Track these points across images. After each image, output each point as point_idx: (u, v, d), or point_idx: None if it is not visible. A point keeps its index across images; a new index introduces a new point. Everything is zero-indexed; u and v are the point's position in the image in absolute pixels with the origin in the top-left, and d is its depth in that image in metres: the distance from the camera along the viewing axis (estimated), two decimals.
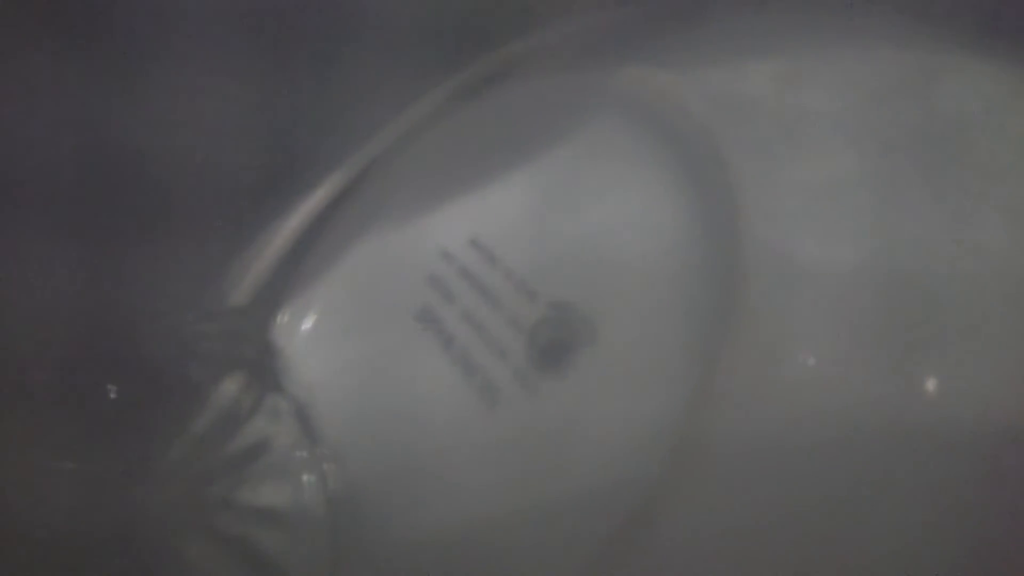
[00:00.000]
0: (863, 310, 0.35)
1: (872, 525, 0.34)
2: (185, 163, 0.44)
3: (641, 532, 0.35)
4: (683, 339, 0.36)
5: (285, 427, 0.41)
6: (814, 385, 0.35)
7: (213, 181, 0.44)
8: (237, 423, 0.41)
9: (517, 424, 0.38)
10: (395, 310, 0.41)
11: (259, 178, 0.44)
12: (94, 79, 0.44)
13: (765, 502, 0.34)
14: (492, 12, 0.43)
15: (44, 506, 0.40)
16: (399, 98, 0.43)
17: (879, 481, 0.34)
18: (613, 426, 0.36)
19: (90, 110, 0.44)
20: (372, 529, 0.39)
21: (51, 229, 0.44)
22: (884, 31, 0.40)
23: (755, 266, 0.35)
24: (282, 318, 0.42)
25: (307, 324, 0.42)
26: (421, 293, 0.40)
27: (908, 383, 0.35)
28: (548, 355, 0.38)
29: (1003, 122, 0.38)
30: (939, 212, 0.36)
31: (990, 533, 0.34)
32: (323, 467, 0.40)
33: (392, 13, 0.43)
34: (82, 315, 0.43)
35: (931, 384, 0.35)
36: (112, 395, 0.42)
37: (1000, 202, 0.36)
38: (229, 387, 0.41)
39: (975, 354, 0.35)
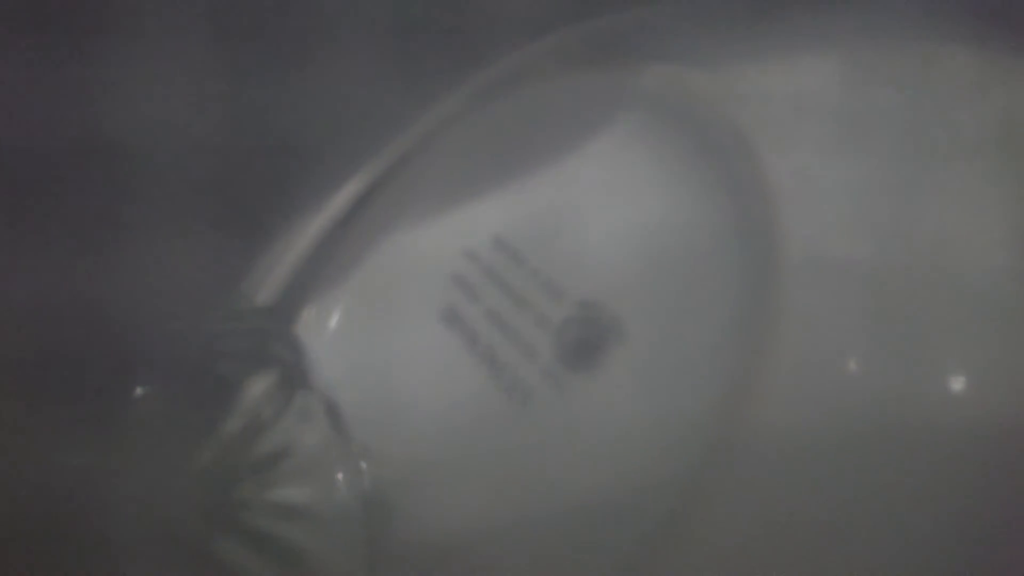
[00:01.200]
0: (902, 309, 0.35)
1: (908, 522, 0.35)
2: (208, 161, 0.44)
3: (675, 533, 0.35)
4: (717, 338, 0.36)
5: (316, 426, 0.41)
6: (850, 385, 0.35)
7: (237, 179, 0.44)
8: (267, 422, 0.41)
9: (548, 423, 0.38)
10: (420, 309, 0.41)
11: (283, 176, 0.44)
12: (117, 71, 0.44)
13: (801, 501, 0.35)
14: (517, 9, 0.42)
15: (74, 506, 0.41)
16: (423, 96, 0.43)
17: (917, 479, 0.35)
18: (646, 425, 0.37)
19: (115, 106, 0.44)
20: (407, 527, 0.39)
21: (74, 226, 0.44)
22: (957, 32, 0.39)
23: (791, 266, 0.36)
24: (308, 316, 0.42)
25: (332, 323, 0.42)
26: (446, 292, 0.41)
27: (947, 382, 0.35)
28: (577, 354, 0.38)
29: None
30: (996, 212, 0.36)
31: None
32: (355, 465, 0.40)
33: (416, 10, 0.43)
34: (108, 314, 0.43)
35: (970, 383, 0.35)
36: (139, 393, 0.42)
37: None
38: (258, 386, 0.41)
39: (1018, 351, 0.35)
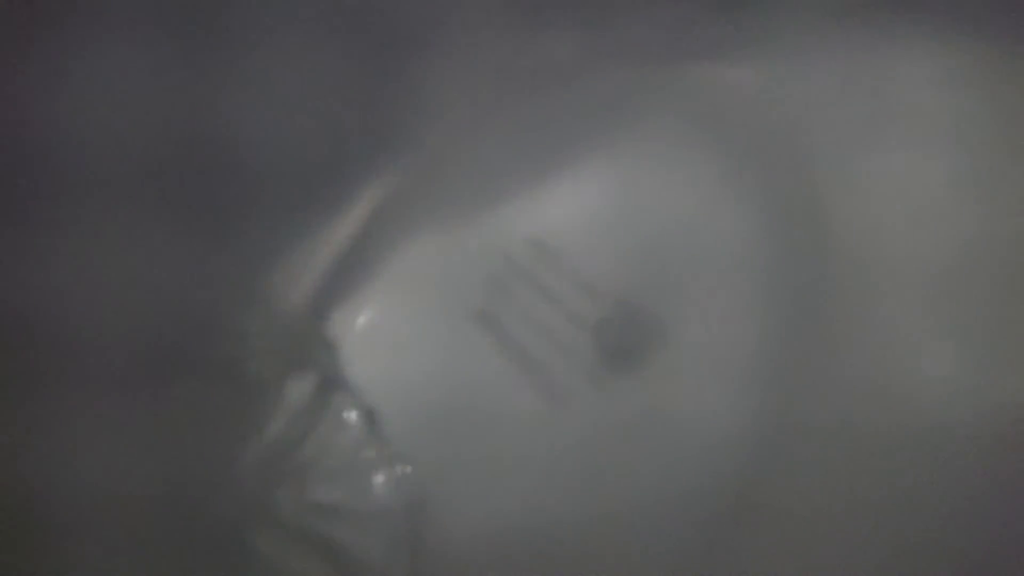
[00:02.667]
0: (955, 307, 0.35)
1: (978, 516, 0.35)
2: (240, 160, 0.44)
3: (724, 531, 0.36)
4: (769, 338, 0.36)
5: (354, 426, 0.41)
6: (903, 381, 0.35)
7: (270, 178, 0.44)
8: (306, 423, 0.41)
9: (589, 422, 0.38)
10: (453, 309, 0.41)
11: (318, 175, 0.44)
12: (146, 74, 0.44)
13: (852, 501, 0.35)
14: (553, 7, 0.42)
15: (115, 503, 0.41)
16: (459, 93, 0.42)
17: (969, 474, 0.35)
18: (692, 425, 0.37)
19: (144, 108, 0.44)
20: (448, 526, 0.39)
21: (110, 225, 0.44)
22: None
23: (845, 265, 0.36)
24: (340, 316, 0.42)
25: (364, 322, 0.42)
26: (479, 292, 0.41)
27: (999, 380, 0.35)
28: (617, 354, 0.38)
29: None
30: None
31: None
32: (394, 466, 0.40)
33: (451, 7, 0.43)
34: (145, 314, 0.43)
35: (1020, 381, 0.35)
36: (178, 392, 0.42)
37: None
38: (296, 387, 0.41)
39: None
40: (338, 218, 0.43)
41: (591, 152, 0.40)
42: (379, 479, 0.40)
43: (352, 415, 0.41)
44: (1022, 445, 0.35)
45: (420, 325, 0.41)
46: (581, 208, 0.40)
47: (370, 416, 0.41)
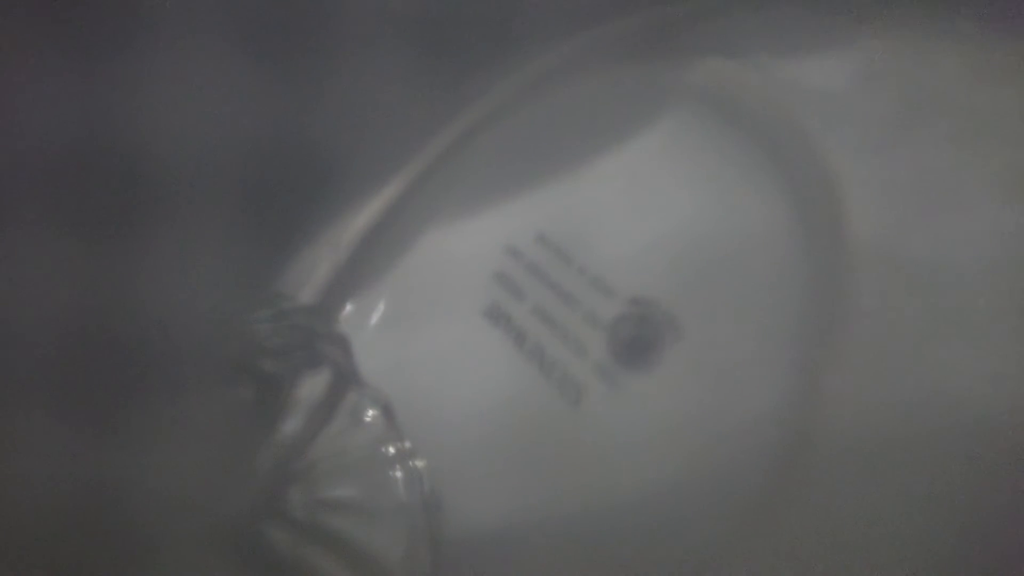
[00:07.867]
0: (975, 310, 0.35)
1: (986, 518, 0.35)
2: (250, 160, 0.44)
3: (743, 531, 0.36)
4: (782, 335, 0.36)
5: (369, 423, 0.41)
6: (924, 381, 0.35)
7: (279, 177, 0.44)
8: (320, 420, 0.41)
9: (603, 421, 0.38)
10: (463, 306, 0.41)
11: (324, 174, 0.44)
12: (154, 74, 0.44)
13: (871, 505, 0.35)
14: (560, 2, 0.42)
15: (129, 505, 0.41)
16: (465, 91, 0.42)
17: (993, 476, 0.35)
18: (709, 425, 0.37)
19: (154, 110, 0.44)
20: (467, 522, 0.39)
21: (121, 229, 0.44)
22: None
23: (859, 262, 0.35)
24: (350, 314, 0.42)
25: (375, 320, 0.42)
26: (489, 289, 0.40)
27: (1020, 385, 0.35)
28: (632, 352, 0.38)
29: None
30: None
31: None
32: (411, 462, 0.40)
33: (456, 6, 0.43)
34: (156, 316, 0.43)
35: None
36: (191, 393, 0.42)
37: None
38: (309, 385, 0.41)
39: None
40: (349, 216, 0.42)
41: (602, 149, 0.40)
42: (396, 475, 0.40)
43: (367, 412, 0.41)
44: None
45: (432, 322, 0.41)
46: (593, 205, 0.40)
47: (386, 412, 0.41)
